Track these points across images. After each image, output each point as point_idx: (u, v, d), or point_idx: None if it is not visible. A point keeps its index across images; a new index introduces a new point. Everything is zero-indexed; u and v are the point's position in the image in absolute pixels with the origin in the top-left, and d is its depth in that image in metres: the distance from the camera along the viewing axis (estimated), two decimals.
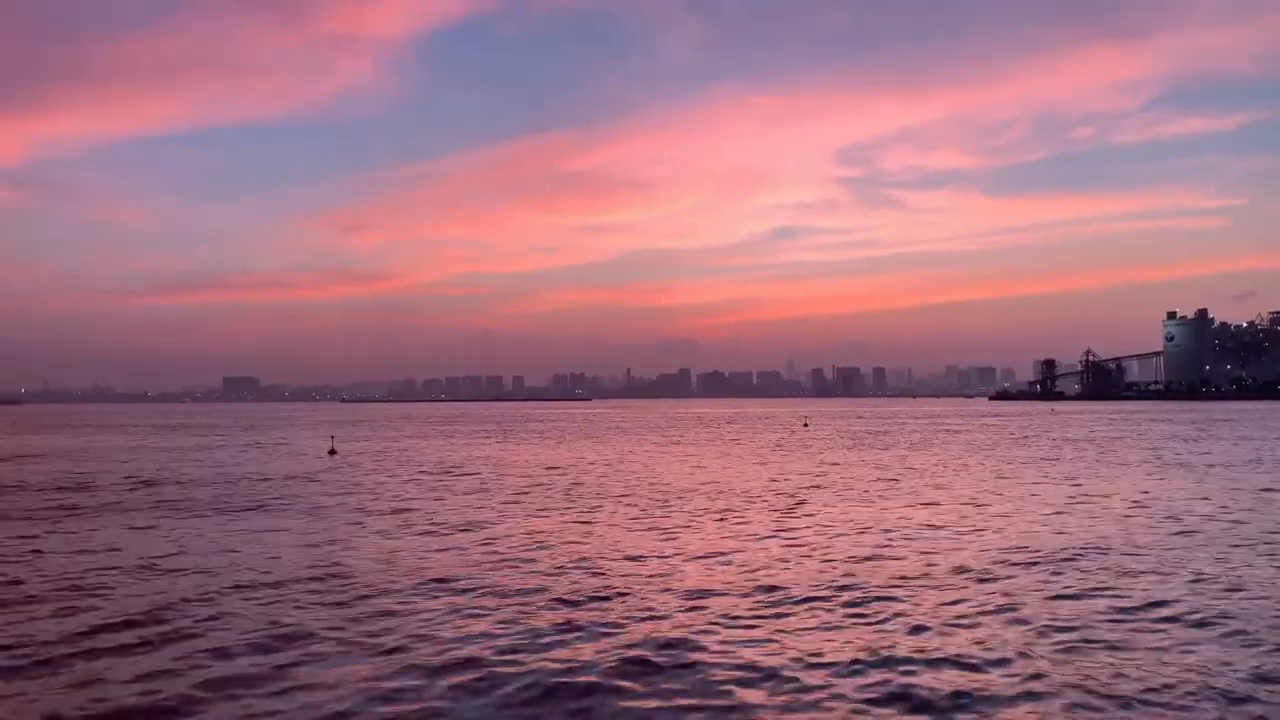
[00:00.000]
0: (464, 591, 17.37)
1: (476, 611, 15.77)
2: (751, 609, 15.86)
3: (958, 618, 15.07)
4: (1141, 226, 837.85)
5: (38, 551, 22.39)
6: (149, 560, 20.96)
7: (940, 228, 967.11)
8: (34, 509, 31.27)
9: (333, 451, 61.75)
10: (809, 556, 20.85)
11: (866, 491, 34.90)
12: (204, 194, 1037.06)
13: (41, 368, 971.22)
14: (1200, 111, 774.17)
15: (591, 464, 50.89)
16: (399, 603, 16.47)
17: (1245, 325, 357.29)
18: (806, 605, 16.08)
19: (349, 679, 12.11)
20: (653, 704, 11.25)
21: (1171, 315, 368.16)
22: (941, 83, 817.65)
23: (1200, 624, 14.69)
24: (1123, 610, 15.55)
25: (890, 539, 23.32)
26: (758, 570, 19.28)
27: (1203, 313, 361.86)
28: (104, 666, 12.74)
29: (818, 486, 36.84)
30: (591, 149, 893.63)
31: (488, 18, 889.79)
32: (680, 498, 33.15)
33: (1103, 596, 16.62)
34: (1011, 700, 11.20)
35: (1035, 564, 19.74)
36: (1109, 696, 11.29)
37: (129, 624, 14.97)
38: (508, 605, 16.20)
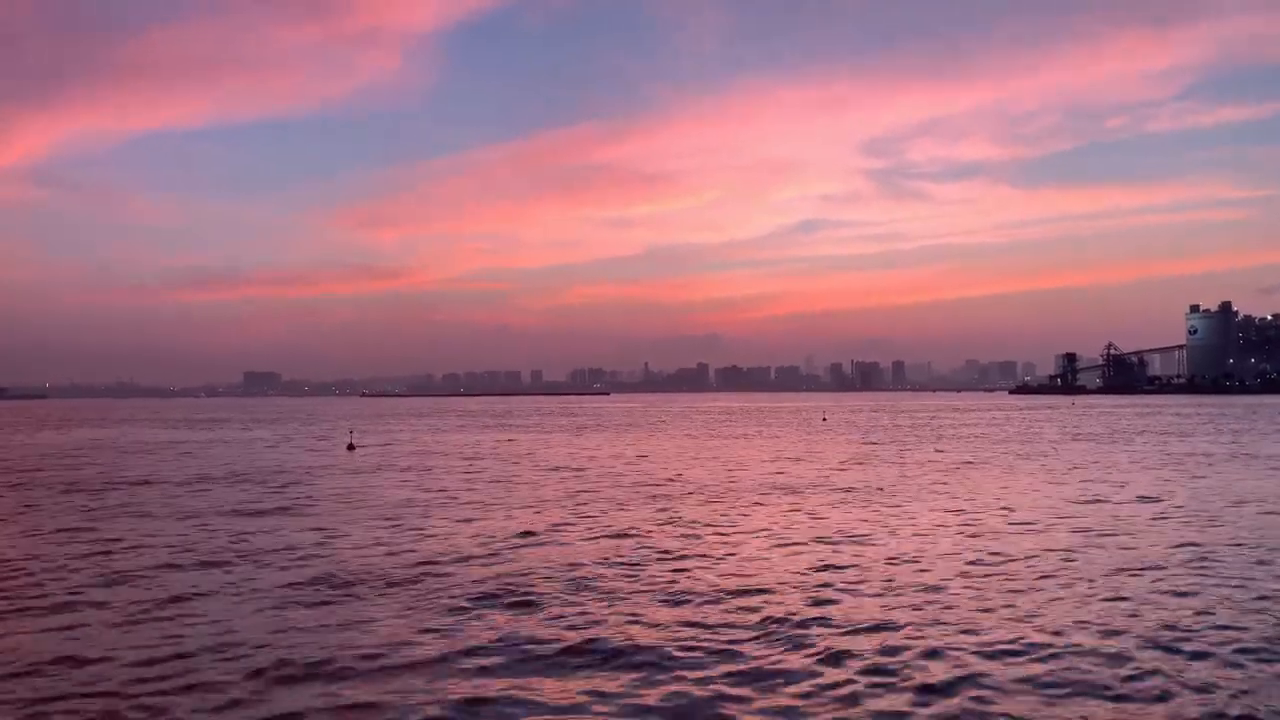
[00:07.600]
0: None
1: None
2: None
3: None
4: (1168, 219, 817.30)
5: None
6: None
7: (966, 220, 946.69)
8: (230, 508, 30.19)
9: (351, 447, 60.14)
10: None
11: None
12: (225, 190, 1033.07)
13: (65, 363, 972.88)
14: (1234, 100, 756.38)
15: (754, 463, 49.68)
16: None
17: (1270, 318, 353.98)
18: None
19: None
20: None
21: (1195, 308, 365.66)
22: (970, 72, 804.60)
23: None
24: None
25: None
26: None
27: (1226, 305, 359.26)
28: None
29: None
30: (614, 142, 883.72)
31: (512, 10, 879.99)
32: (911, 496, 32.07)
33: None
34: None
35: None
36: None
37: None
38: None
